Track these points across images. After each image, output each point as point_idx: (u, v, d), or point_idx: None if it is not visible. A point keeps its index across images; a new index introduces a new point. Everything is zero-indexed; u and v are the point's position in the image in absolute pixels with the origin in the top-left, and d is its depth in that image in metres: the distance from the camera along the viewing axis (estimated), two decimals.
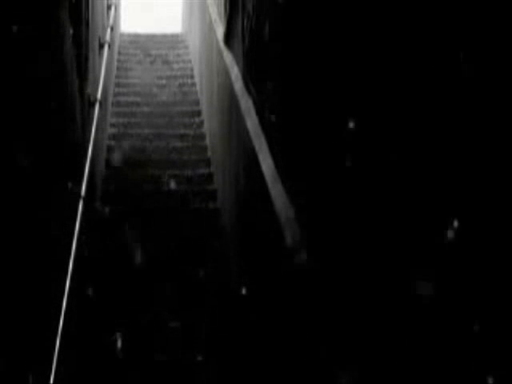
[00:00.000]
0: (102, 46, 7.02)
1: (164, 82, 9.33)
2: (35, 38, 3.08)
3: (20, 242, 2.69)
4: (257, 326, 3.95)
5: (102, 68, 6.79)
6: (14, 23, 2.62)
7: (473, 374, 1.40)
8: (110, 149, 7.64)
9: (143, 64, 10.06)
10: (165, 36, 11.38)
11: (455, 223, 1.46)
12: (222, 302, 5.24)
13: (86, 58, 5.47)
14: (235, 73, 4.98)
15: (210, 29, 7.18)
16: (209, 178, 7.11)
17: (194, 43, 9.50)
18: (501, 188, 1.28)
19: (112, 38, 8.42)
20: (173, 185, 7.07)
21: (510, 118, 1.24)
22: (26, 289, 2.81)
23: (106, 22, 7.92)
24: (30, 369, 2.88)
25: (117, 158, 7.41)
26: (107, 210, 6.37)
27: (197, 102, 8.82)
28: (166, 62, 10.12)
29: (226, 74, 5.47)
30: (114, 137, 7.93)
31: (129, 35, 11.24)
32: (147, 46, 10.87)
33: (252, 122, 4.04)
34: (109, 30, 7.68)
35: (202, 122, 8.29)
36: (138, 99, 8.84)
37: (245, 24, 4.44)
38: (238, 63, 4.95)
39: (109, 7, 8.48)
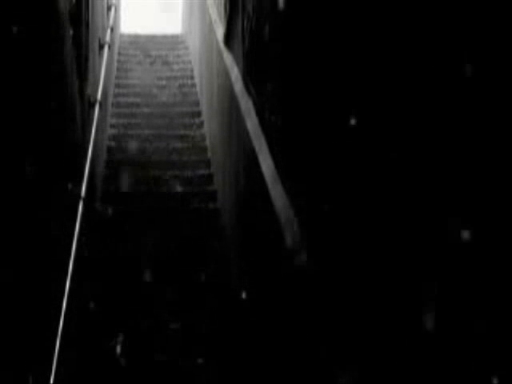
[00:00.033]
0: (101, 47, 7.02)
1: (164, 82, 9.33)
2: (35, 38, 3.08)
3: (20, 242, 2.69)
4: (257, 326, 3.95)
5: (102, 69, 6.79)
6: (14, 24, 2.62)
7: (473, 373, 1.40)
8: (109, 150, 7.64)
9: (143, 65, 10.06)
10: (165, 37, 11.38)
11: (455, 223, 1.46)
12: (222, 303, 5.24)
13: (86, 59, 5.47)
14: (235, 73, 4.98)
15: (210, 29, 7.18)
16: (209, 178, 7.11)
17: (194, 44, 9.50)
18: (502, 187, 1.28)
19: (112, 38, 8.43)
20: (173, 185, 7.07)
21: None
22: (26, 289, 2.81)
23: (105, 22, 7.92)
24: (29, 369, 2.88)
25: (117, 158, 7.41)
26: (107, 210, 6.37)
27: (197, 103, 8.82)
28: (166, 63, 10.12)
29: (226, 74, 5.47)
30: (114, 138, 7.93)
31: (129, 36, 11.25)
32: (147, 46, 10.87)
33: (252, 122, 4.04)
34: (109, 31, 7.69)
35: (201, 123, 8.29)
36: (138, 100, 8.85)
37: (245, 25, 4.44)
38: (238, 64, 4.95)
39: (109, 8, 8.48)
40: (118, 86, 9.30)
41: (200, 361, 4.56)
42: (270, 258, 3.47)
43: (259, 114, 3.88)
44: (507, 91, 1.25)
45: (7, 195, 2.47)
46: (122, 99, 8.85)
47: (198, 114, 8.51)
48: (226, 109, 5.52)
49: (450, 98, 1.48)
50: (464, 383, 1.43)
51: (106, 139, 7.58)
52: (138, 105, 8.81)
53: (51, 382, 3.39)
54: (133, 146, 7.67)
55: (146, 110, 8.55)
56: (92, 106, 5.95)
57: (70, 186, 4.36)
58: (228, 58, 5.48)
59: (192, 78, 9.61)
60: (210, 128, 7.36)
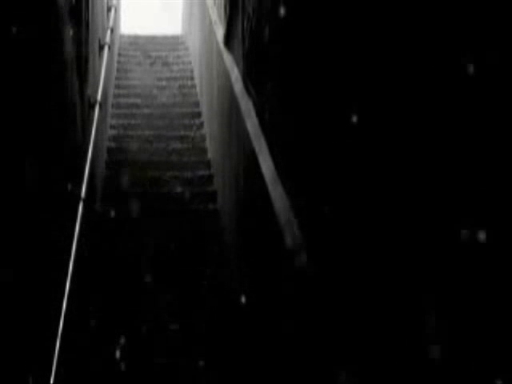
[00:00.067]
0: (102, 48, 7.02)
1: (164, 83, 9.33)
2: (35, 39, 3.08)
3: (20, 243, 2.69)
4: (257, 328, 3.95)
5: (102, 70, 6.79)
6: (14, 24, 2.62)
7: (472, 373, 1.40)
8: (110, 150, 7.64)
9: (143, 66, 10.06)
10: (165, 37, 11.38)
11: (455, 225, 1.46)
12: (222, 303, 5.24)
13: (86, 60, 5.47)
14: (235, 74, 4.98)
15: (210, 30, 7.18)
16: (209, 179, 7.11)
17: (194, 45, 9.50)
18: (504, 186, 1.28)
19: (112, 39, 8.43)
20: (173, 186, 7.07)
21: None
22: (26, 290, 2.81)
23: (105, 23, 7.92)
24: (29, 370, 2.88)
25: (117, 159, 7.41)
26: (107, 211, 6.37)
27: (197, 104, 8.82)
28: (166, 64, 10.12)
29: (226, 75, 5.47)
30: (114, 138, 7.93)
31: (129, 37, 11.25)
32: (147, 47, 10.87)
33: (252, 123, 4.03)
34: (109, 32, 7.69)
35: (201, 124, 8.29)
36: (138, 101, 8.85)
37: (245, 25, 4.44)
38: (238, 65, 4.95)
39: (109, 9, 8.48)
40: (118, 86, 9.30)
41: (201, 363, 4.56)
42: (270, 259, 3.47)
43: (259, 114, 3.88)
44: None
45: (7, 196, 2.47)
46: (122, 100, 8.85)
47: (198, 114, 8.51)
48: (226, 110, 5.52)
49: (450, 97, 1.48)
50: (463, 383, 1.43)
51: (106, 140, 7.58)
52: (137, 106, 8.81)
53: (51, 382, 3.39)
54: (133, 146, 7.67)
55: (146, 110, 8.55)
56: (92, 106, 5.94)
57: (70, 186, 4.36)
58: (228, 58, 5.48)
59: (192, 78, 9.61)
60: (210, 129, 7.36)
